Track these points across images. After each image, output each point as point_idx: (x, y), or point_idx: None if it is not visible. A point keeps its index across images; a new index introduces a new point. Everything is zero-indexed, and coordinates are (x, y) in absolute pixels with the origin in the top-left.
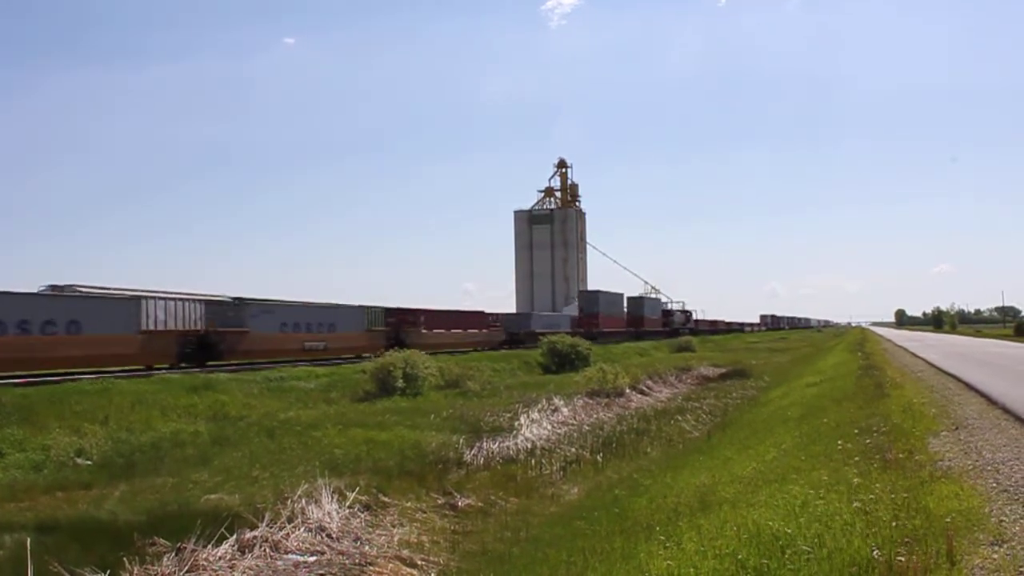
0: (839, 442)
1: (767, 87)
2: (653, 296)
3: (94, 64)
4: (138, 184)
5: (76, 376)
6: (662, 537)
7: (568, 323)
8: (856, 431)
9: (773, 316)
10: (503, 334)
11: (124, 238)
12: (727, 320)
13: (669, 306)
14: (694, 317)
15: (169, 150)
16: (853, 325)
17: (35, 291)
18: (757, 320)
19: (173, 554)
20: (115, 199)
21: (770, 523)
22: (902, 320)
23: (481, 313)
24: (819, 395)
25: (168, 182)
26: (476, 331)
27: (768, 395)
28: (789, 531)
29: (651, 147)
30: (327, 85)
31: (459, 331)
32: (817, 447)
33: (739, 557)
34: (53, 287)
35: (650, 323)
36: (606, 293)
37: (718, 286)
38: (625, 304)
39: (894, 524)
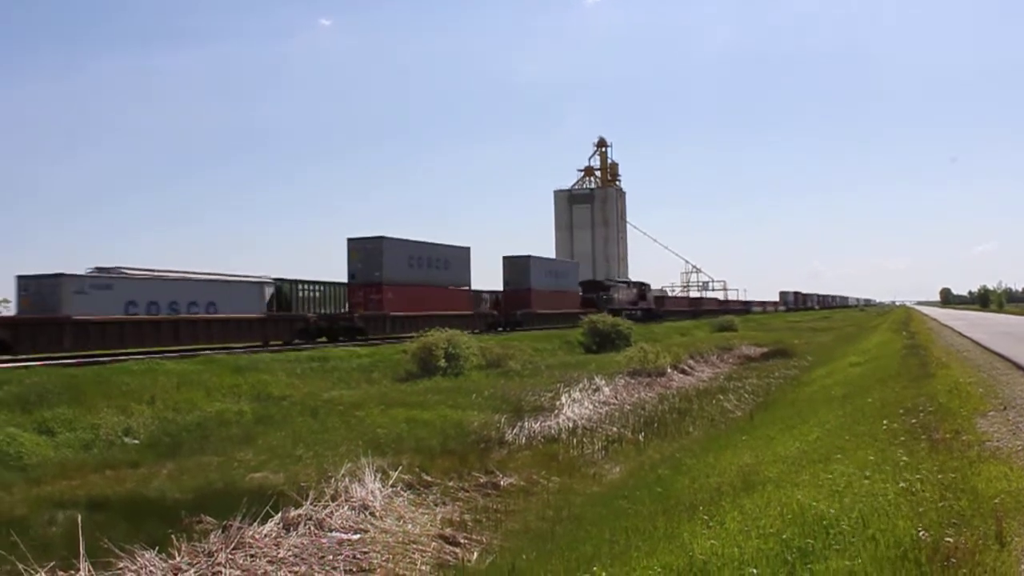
0: (884, 422)
1: (808, 63)
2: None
3: (132, 47)
4: (173, 167)
5: (123, 357)
6: (705, 517)
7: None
8: (901, 411)
9: (798, 294)
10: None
11: (159, 220)
12: (760, 300)
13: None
14: (650, 295)
15: (203, 133)
16: (897, 304)
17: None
18: (776, 299)
19: (220, 531)
20: (149, 181)
21: (814, 503)
22: (948, 299)
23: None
24: (863, 375)
25: (203, 165)
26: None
27: (811, 375)
28: (833, 511)
29: (691, 125)
30: (363, 66)
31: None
32: (861, 427)
33: (783, 537)
34: (99, 269)
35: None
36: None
37: (760, 266)
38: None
39: (941, 505)
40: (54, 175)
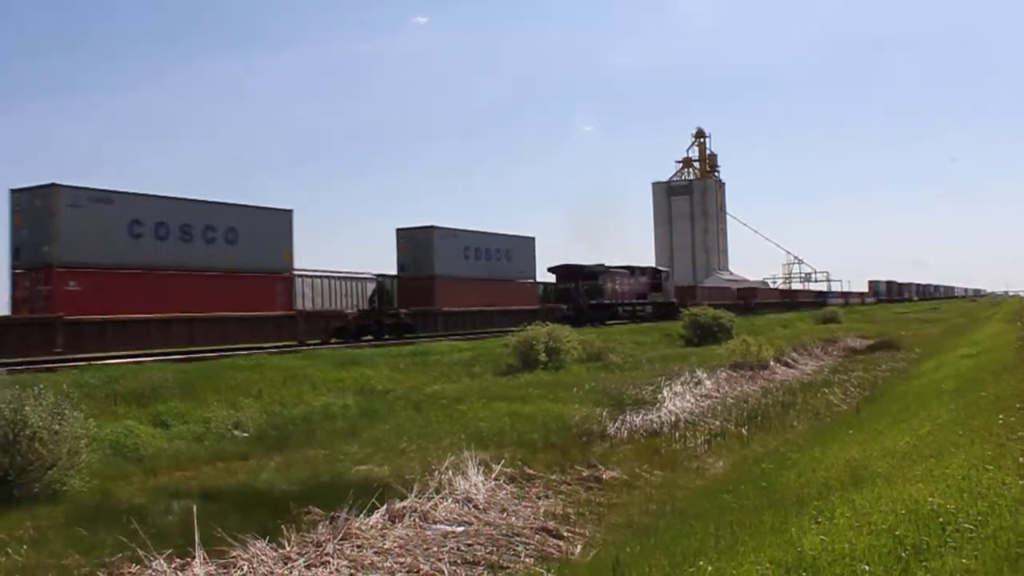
0: (1000, 416)
1: (913, 49)
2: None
3: (230, 49)
4: (269, 166)
5: (231, 352)
6: (813, 512)
7: None
8: (1019, 405)
9: (891, 283)
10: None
11: None
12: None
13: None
14: (668, 284)
15: (298, 133)
16: (1011, 294)
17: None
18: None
19: (327, 522)
20: (249, 179)
21: (929, 499)
22: None
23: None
24: (976, 367)
25: (298, 163)
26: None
27: (920, 367)
28: (950, 508)
29: (792, 113)
30: (458, 63)
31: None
32: (976, 421)
33: (896, 533)
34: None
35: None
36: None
37: (856, 255)
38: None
39: None
40: (157, 170)
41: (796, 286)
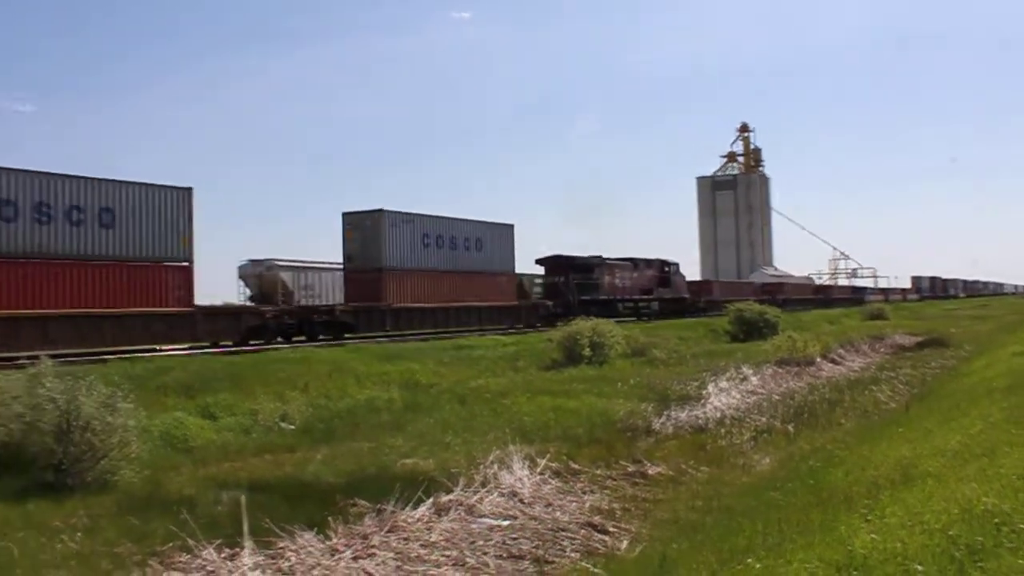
0: None
1: (963, 39)
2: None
3: (253, 45)
4: (317, 162)
5: (277, 345)
6: (863, 510)
7: None
8: None
9: (935, 279)
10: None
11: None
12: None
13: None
14: (678, 278)
15: (341, 128)
16: None
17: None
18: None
19: (374, 514)
20: (303, 176)
21: (983, 499)
22: None
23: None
24: None
25: (342, 159)
26: None
27: (970, 365)
28: (1005, 508)
29: (838, 106)
30: (503, 58)
31: None
32: None
33: (949, 533)
34: (253, 261)
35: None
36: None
37: (919, 252)
38: None
39: None
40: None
41: (842, 282)
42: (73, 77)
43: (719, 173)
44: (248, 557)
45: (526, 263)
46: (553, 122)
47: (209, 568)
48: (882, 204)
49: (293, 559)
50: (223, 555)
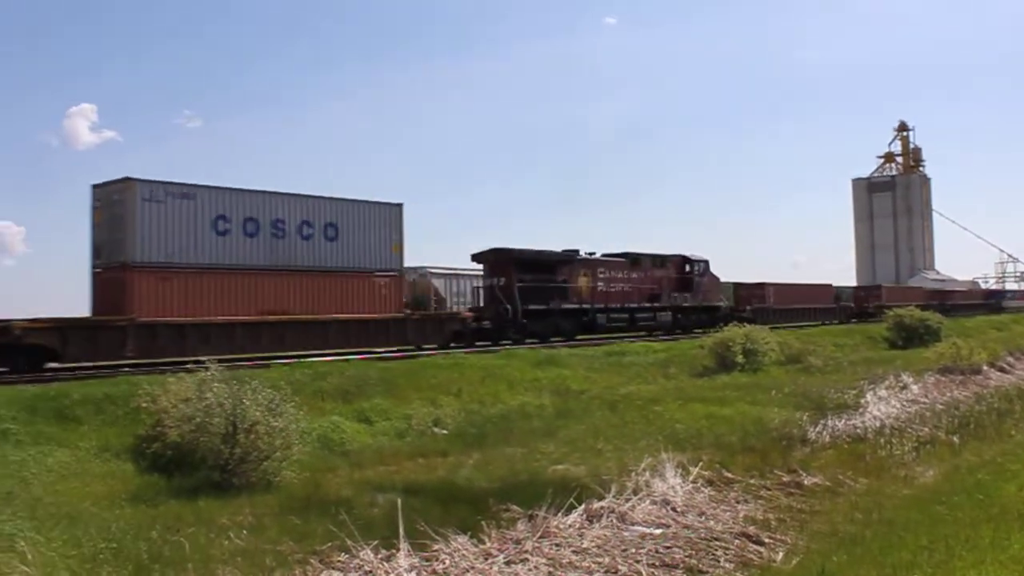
0: None
1: None
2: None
3: (436, 57)
4: (471, 165)
5: (431, 352)
6: None
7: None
8: None
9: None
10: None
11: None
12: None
13: None
14: (704, 280)
15: (498, 135)
16: None
17: None
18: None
19: (526, 520)
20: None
21: None
22: None
23: (828, 287)
24: None
25: (502, 163)
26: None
27: None
28: None
29: (1009, 103)
30: (650, 63)
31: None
32: None
33: None
34: (406, 268)
35: None
36: None
37: None
38: None
39: None
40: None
41: (1011, 286)
42: (239, 96)
43: (876, 174)
44: (404, 559)
45: None
46: (685, 126)
47: (367, 568)
48: None
49: (447, 562)
50: (380, 556)
